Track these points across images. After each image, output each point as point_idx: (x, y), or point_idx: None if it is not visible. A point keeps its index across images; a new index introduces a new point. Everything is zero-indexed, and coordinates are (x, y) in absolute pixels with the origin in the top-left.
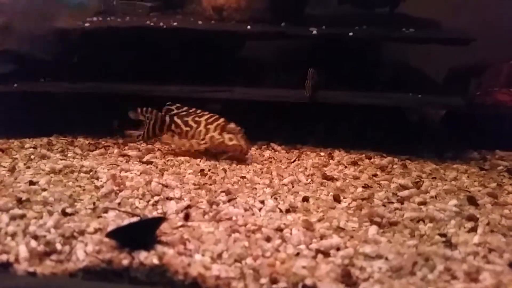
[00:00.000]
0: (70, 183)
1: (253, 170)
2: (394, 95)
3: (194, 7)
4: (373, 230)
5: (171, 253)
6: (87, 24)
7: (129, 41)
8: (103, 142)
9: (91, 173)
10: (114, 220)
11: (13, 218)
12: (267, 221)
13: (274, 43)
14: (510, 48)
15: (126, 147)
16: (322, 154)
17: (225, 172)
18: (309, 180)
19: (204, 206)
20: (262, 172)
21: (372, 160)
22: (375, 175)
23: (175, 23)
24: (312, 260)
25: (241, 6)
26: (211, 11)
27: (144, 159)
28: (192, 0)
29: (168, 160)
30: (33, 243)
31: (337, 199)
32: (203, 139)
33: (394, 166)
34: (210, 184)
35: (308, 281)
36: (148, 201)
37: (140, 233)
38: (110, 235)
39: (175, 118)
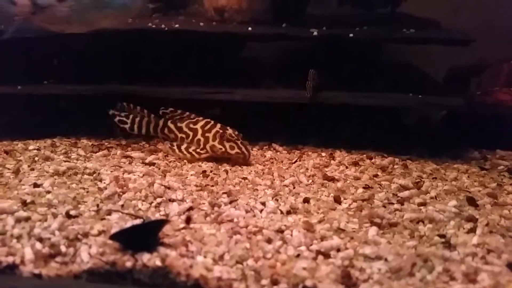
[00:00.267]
0: (74, 185)
1: (254, 171)
2: (394, 96)
3: (196, 8)
4: (373, 231)
5: (174, 255)
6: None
7: (132, 43)
8: (106, 143)
9: (94, 175)
10: (117, 222)
11: (18, 220)
12: (268, 222)
13: (275, 44)
14: (510, 48)
15: (129, 148)
16: (323, 154)
17: (227, 173)
18: (310, 181)
19: (206, 208)
20: (263, 173)
21: (373, 160)
22: (376, 175)
23: (177, 25)
24: (312, 262)
25: (242, 8)
26: (212, 12)
27: (147, 160)
28: (194, 1)
29: (170, 162)
30: (38, 245)
31: (337, 200)
32: (203, 149)
33: (395, 166)
34: (212, 186)
35: (309, 282)
36: (150, 203)
37: (143, 235)
38: (114, 237)
39: (169, 123)
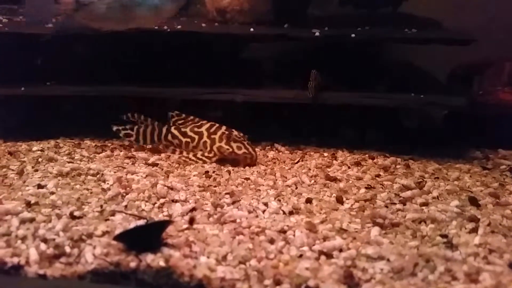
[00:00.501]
0: (78, 186)
1: (257, 171)
2: (396, 96)
3: (198, 8)
4: (375, 231)
5: (177, 256)
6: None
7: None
8: (109, 144)
9: (98, 175)
10: (121, 223)
11: (23, 221)
12: (270, 223)
13: (277, 44)
14: None
15: (132, 149)
16: (325, 154)
17: (229, 174)
18: (313, 181)
19: (208, 208)
20: (266, 173)
21: (375, 160)
22: (378, 175)
23: (179, 26)
24: (315, 262)
25: (244, 8)
26: (214, 13)
27: (150, 161)
28: (196, 2)
29: (173, 162)
30: (43, 246)
31: (340, 200)
32: (210, 151)
33: (397, 166)
34: (215, 186)
35: (311, 283)
36: (154, 204)
37: (147, 236)
38: (118, 238)
39: (172, 129)
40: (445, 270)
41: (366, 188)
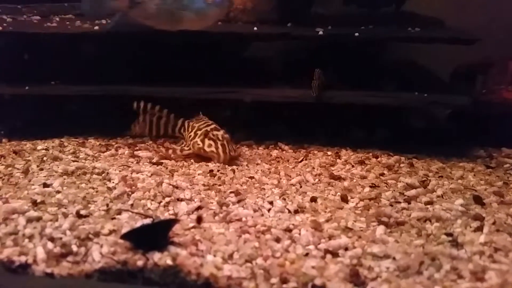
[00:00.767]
0: (83, 185)
1: (261, 170)
2: (400, 95)
3: None
4: (380, 230)
5: (184, 254)
6: None
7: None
8: (113, 143)
9: (103, 174)
10: (127, 221)
11: (29, 220)
12: (276, 221)
13: (280, 43)
14: None
15: (136, 148)
16: (329, 153)
17: (234, 173)
18: (317, 180)
19: (214, 207)
20: (270, 172)
21: (379, 159)
22: (382, 174)
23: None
24: (321, 260)
25: (247, 7)
26: None
27: (154, 160)
28: None
29: (177, 161)
30: (50, 245)
31: (344, 199)
32: (188, 145)
33: (401, 165)
34: (220, 185)
35: (318, 281)
36: (159, 202)
37: (154, 235)
38: (125, 237)
39: (186, 122)
40: (451, 269)
41: (370, 186)
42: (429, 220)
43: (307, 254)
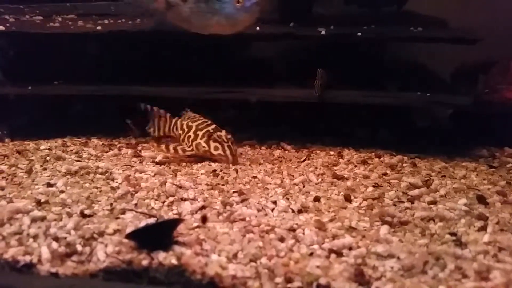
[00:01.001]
0: (87, 185)
1: (264, 170)
2: (402, 94)
3: None
4: (384, 229)
5: (189, 254)
6: None
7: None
8: (116, 143)
9: (106, 174)
10: (132, 221)
11: (34, 220)
12: (280, 221)
13: (283, 43)
14: None
15: (139, 148)
16: (331, 153)
17: (237, 172)
18: (320, 179)
19: (218, 206)
20: (273, 172)
21: (381, 158)
22: (385, 174)
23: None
24: (325, 260)
25: None
26: None
27: (157, 160)
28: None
29: (180, 160)
30: (55, 245)
31: (348, 198)
32: (190, 146)
33: (404, 165)
34: (223, 185)
35: (322, 281)
36: (163, 202)
37: (159, 234)
38: (129, 236)
39: (178, 121)
40: (455, 268)
41: (373, 186)
42: (433, 219)
43: (311, 254)
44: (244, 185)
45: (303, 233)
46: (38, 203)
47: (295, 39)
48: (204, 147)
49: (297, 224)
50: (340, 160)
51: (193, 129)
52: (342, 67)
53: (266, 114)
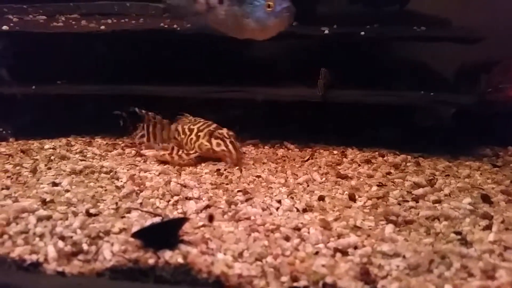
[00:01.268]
0: (92, 184)
1: (267, 169)
2: (405, 94)
3: None
4: (389, 228)
5: (195, 252)
6: None
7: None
8: (120, 143)
9: (111, 173)
10: (137, 220)
11: (40, 219)
12: (284, 220)
13: (286, 43)
14: None
15: (143, 147)
16: (335, 152)
17: (241, 172)
18: (324, 179)
19: (222, 206)
20: (276, 171)
21: (385, 158)
22: (389, 173)
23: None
24: (331, 259)
25: None
26: None
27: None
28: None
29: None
30: (61, 244)
31: (352, 198)
32: (193, 148)
33: (408, 164)
34: (227, 184)
35: (328, 279)
36: (168, 201)
37: (164, 233)
38: (135, 235)
39: (178, 127)
40: (461, 267)
41: (377, 185)
42: (438, 218)
43: (317, 253)
44: (248, 184)
45: (308, 232)
46: (44, 202)
47: (298, 39)
48: (206, 145)
49: (302, 223)
50: (344, 159)
51: (195, 131)
52: (345, 66)
53: (269, 114)
